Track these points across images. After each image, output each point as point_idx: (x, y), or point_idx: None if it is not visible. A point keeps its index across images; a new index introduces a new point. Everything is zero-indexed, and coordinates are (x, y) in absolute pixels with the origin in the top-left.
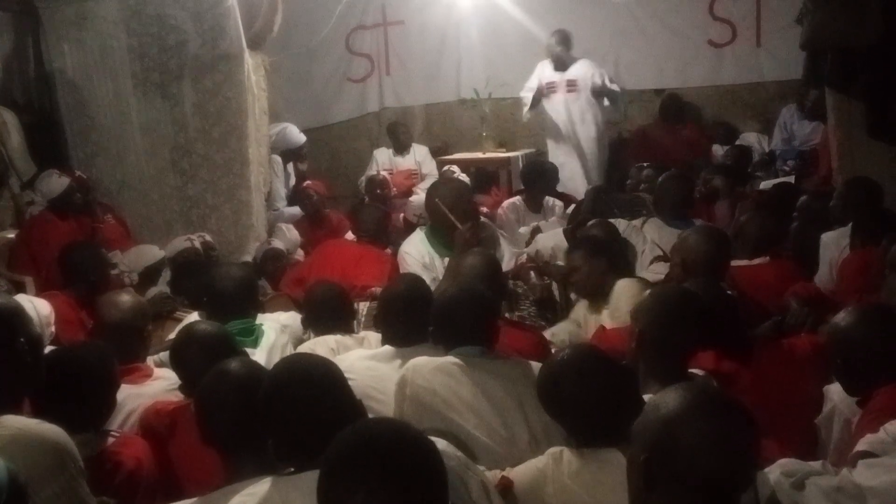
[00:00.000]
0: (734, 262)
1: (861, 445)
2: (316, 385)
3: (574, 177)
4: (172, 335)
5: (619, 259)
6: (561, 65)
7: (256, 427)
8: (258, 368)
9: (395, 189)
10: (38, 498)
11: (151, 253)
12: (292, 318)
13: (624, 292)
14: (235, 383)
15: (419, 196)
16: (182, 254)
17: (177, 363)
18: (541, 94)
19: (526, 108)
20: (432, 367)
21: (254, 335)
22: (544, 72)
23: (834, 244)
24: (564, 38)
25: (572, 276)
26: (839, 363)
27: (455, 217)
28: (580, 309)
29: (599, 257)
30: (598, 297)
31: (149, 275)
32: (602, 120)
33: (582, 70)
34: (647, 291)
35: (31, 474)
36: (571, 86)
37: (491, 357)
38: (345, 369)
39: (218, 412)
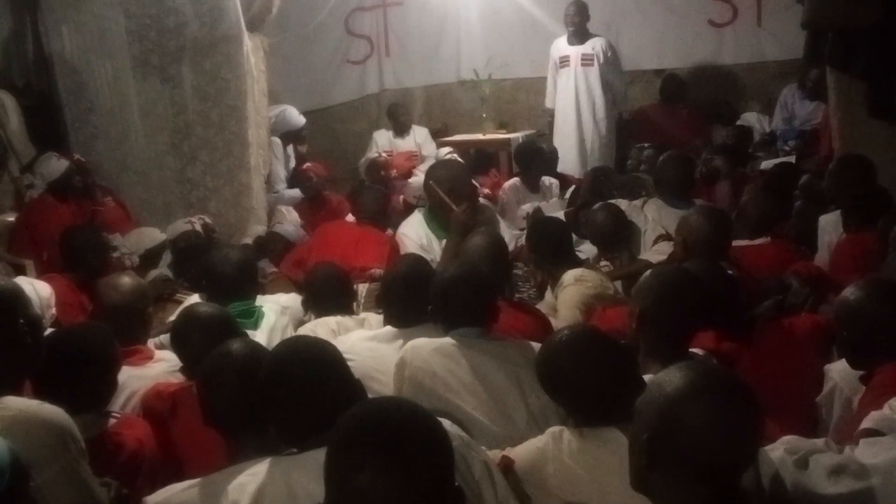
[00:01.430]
0: (736, 243)
1: (866, 423)
2: (314, 366)
3: (581, 154)
4: (173, 317)
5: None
6: (577, 37)
7: (258, 408)
8: (260, 349)
9: (394, 171)
10: (40, 479)
11: (152, 235)
12: (293, 300)
13: (563, 298)
14: (238, 364)
15: (418, 178)
16: (183, 236)
17: (178, 345)
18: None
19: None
20: (431, 348)
21: (254, 317)
22: (558, 46)
23: (832, 227)
24: (582, 9)
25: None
26: (845, 336)
27: (451, 199)
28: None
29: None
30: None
31: (150, 257)
32: (611, 98)
33: (596, 44)
34: (590, 292)
35: (33, 456)
36: (587, 60)
37: (490, 338)
38: (346, 350)
39: (220, 393)
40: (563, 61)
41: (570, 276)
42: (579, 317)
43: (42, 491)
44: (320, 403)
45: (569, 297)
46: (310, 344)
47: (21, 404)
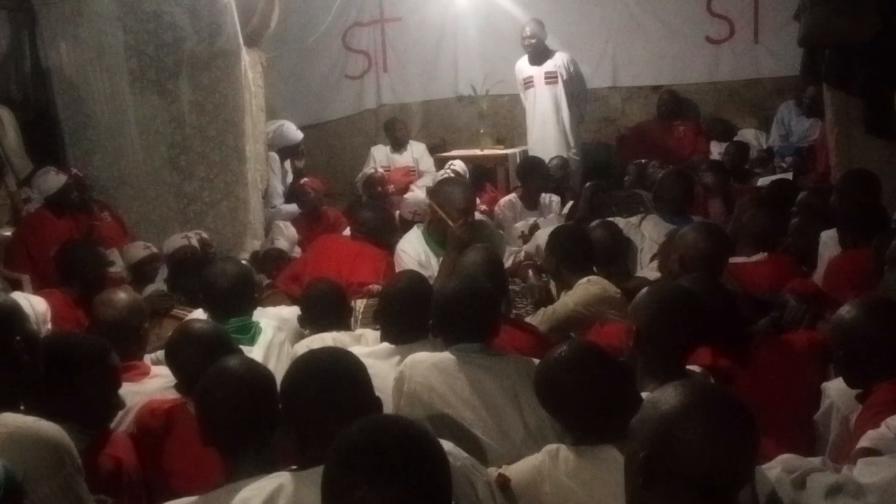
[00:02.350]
0: (733, 260)
1: (863, 441)
2: (340, 376)
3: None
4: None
5: (579, 259)
6: (537, 57)
7: (256, 425)
8: (257, 366)
9: (392, 186)
10: (36, 496)
11: (139, 249)
12: (293, 313)
13: (575, 291)
14: (236, 381)
15: (414, 193)
16: (179, 251)
17: (172, 361)
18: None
19: None
20: (430, 363)
21: (251, 333)
22: (521, 67)
23: (833, 242)
24: (540, 28)
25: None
26: (841, 355)
27: (447, 215)
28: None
29: (549, 253)
30: (565, 286)
31: (139, 271)
32: (577, 113)
33: (559, 61)
34: (601, 293)
35: (29, 472)
36: (550, 77)
37: (489, 353)
38: None
39: (218, 411)
40: (528, 82)
41: (583, 279)
42: (575, 310)
43: None
44: (339, 415)
45: (574, 292)
46: (335, 354)
47: (18, 420)
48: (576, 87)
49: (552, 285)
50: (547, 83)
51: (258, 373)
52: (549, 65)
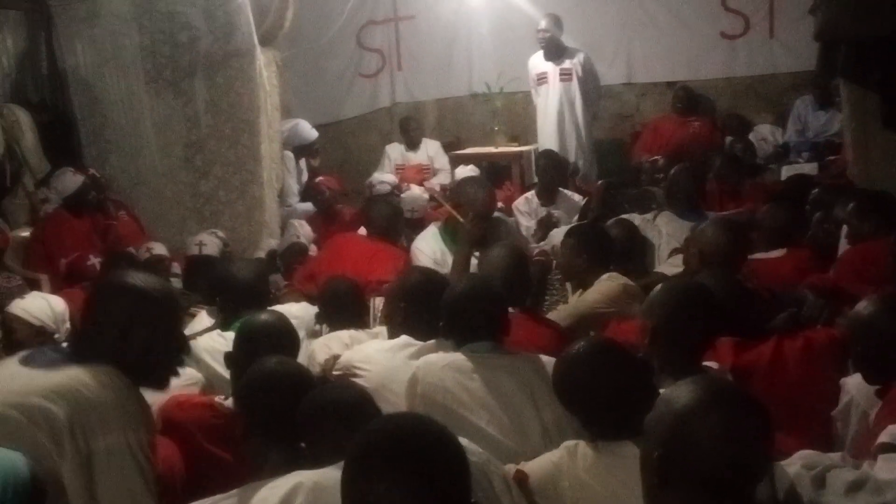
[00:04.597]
0: (752, 256)
1: (883, 437)
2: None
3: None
4: (186, 331)
5: (605, 257)
6: (553, 53)
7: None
8: (300, 366)
9: (406, 184)
10: (96, 446)
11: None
12: (304, 310)
13: (597, 287)
14: (285, 379)
15: (411, 191)
16: (193, 258)
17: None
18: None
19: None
20: (443, 364)
21: None
22: (535, 63)
23: None
24: (556, 23)
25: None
26: (859, 351)
27: (459, 213)
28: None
29: (580, 251)
30: (581, 285)
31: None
32: (591, 113)
33: (574, 58)
34: (622, 288)
35: (90, 423)
36: (565, 74)
37: (502, 352)
38: (361, 360)
39: (264, 406)
40: (541, 78)
41: (603, 276)
42: (596, 307)
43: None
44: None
45: (595, 289)
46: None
47: (82, 376)
48: (590, 86)
49: (567, 285)
50: (562, 80)
51: (303, 373)
52: (565, 62)
